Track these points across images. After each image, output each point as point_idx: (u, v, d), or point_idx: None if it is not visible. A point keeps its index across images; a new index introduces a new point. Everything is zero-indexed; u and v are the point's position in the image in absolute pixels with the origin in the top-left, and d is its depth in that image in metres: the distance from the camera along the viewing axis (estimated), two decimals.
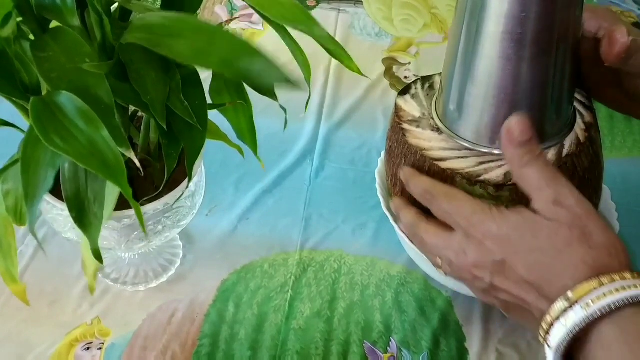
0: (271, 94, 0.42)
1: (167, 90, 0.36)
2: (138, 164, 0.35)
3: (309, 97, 0.46)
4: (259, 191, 0.61)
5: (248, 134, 0.43)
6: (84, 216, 0.36)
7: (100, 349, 0.49)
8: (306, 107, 0.48)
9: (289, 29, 0.40)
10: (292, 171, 0.64)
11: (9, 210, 0.41)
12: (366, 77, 0.45)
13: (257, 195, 0.61)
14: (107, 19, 0.35)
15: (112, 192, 0.39)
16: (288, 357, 0.49)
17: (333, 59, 0.74)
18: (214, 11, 0.83)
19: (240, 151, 0.46)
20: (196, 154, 0.39)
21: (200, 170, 0.46)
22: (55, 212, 0.43)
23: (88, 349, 0.49)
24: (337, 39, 0.79)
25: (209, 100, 0.41)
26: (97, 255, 0.37)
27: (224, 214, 0.59)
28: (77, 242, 0.46)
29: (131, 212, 0.42)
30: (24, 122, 0.41)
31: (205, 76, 0.41)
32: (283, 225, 0.59)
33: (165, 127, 0.35)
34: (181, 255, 0.55)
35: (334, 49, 0.39)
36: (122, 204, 0.42)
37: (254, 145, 0.43)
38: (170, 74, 0.37)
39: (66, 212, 0.42)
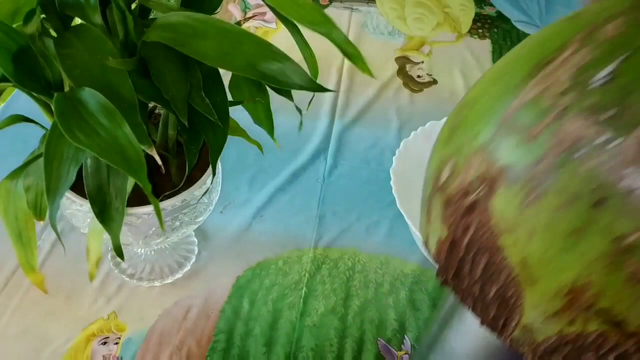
0: (288, 94, 0.43)
1: (188, 86, 0.36)
2: (159, 160, 0.35)
3: (313, 96, 0.47)
4: (272, 189, 0.62)
5: (265, 119, 0.43)
6: (105, 211, 0.37)
7: (117, 343, 0.50)
8: (308, 105, 0.49)
9: (302, 29, 0.41)
10: (305, 169, 0.64)
11: (29, 204, 0.41)
12: (375, 78, 0.45)
13: (270, 192, 0.61)
14: (130, 16, 0.36)
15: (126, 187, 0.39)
16: (302, 353, 0.50)
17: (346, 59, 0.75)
18: (227, 9, 0.83)
19: (260, 147, 0.46)
20: (219, 150, 0.39)
21: (217, 167, 0.47)
22: (74, 208, 0.43)
23: (105, 343, 0.49)
24: (350, 37, 0.79)
25: (228, 96, 0.41)
26: (118, 251, 0.38)
27: (238, 211, 0.60)
28: None
29: (149, 208, 0.43)
30: (41, 119, 0.41)
31: (224, 71, 0.41)
32: (297, 223, 0.59)
33: (186, 123, 0.35)
34: (196, 251, 0.56)
35: (351, 53, 0.40)
36: (139, 200, 0.43)
37: (270, 129, 0.43)
38: (191, 70, 0.37)
39: (85, 208, 0.42)
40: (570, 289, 0.24)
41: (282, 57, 0.31)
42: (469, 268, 0.27)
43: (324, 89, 0.32)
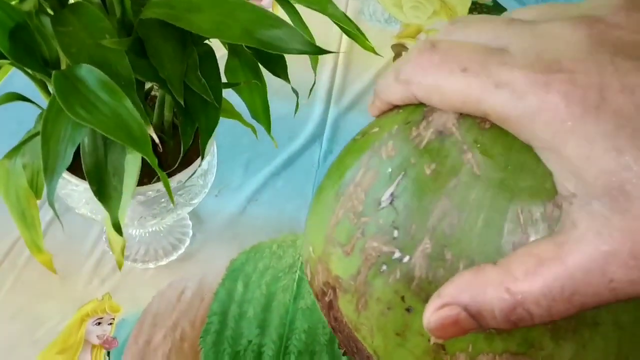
0: (284, 75, 0.43)
1: (184, 66, 0.37)
2: (157, 139, 0.35)
3: (314, 84, 0.47)
4: (267, 173, 0.62)
5: (262, 113, 0.43)
6: (103, 190, 0.37)
7: (111, 324, 0.50)
8: (310, 93, 0.49)
9: (301, 13, 0.41)
10: (300, 154, 0.64)
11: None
12: (380, 55, 0.45)
13: (265, 177, 0.62)
14: None
15: (132, 167, 0.39)
16: (295, 335, 0.50)
17: (342, 43, 0.75)
18: None
19: (254, 130, 0.46)
20: (210, 131, 0.40)
21: (212, 149, 0.47)
22: (69, 188, 0.43)
23: (99, 324, 0.50)
24: None
25: (224, 80, 0.42)
26: (117, 228, 0.38)
27: (233, 195, 0.60)
28: (89, 218, 0.46)
29: (145, 188, 0.43)
30: (36, 99, 0.41)
31: (221, 55, 0.41)
32: (291, 207, 0.59)
33: (182, 103, 0.35)
34: (191, 234, 0.56)
35: (348, 28, 0.40)
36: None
37: (267, 125, 0.44)
38: (187, 50, 0.38)
39: (80, 188, 0.43)
40: None
41: (279, 22, 0.32)
42: (352, 349, 0.30)
43: (324, 51, 0.33)
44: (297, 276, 0.54)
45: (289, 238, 0.57)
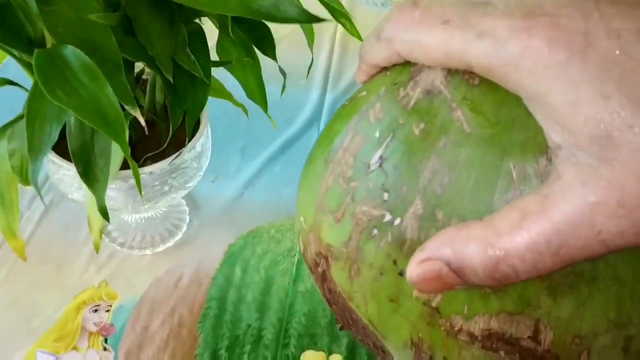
0: (272, 54, 0.42)
1: (173, 43, 0.36)
2: (142, 121, 0.34)
3: (311, 62, 0.46)
4: (264, 158, 0.61)
5: (258, 92, 0.43)
6: (90, 171, 0.36)
7: (108, 311, 0.49)
8: (308, 73, 0.48)
9: None
10: (297, 138, 0.63)
11: (14, 169, 0.41)
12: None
13: (263, 162, 0.61)
14: None
15: (117, 150, 0.39)
16: (295, 318, 0.49)
17: (339, 27, 0.74)
18: None
19: (245, 110, 0.46)
20: (198, 109, 0.39)
21: (206, 131, 0.46)
22: (61, 173, 0.43)
23: (96, 311, 0.49)
24: None
25: (215, 59, 0.41)
26: (104, 212, 0.37)
27: (230, 181, 0.59)
28: (83, 205, 0.46)
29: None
30: (28, 83, 0.41)
31: (214, 43, 0.41)
32: (289, 192, 0.59)
33: (171, 80, 0.35)
34: (187, 220, 0.55)
35: (337, 11, 0.39)
36: (127, 165, 0.42)
37: (263, 104, 0.43)
38: (176, 28, 0.37)
39: (72, 172, 0.42)
40: (412, 343, 0.26)
41: None
42: (347, 321, 0.29)
43: (320, 20, 0.32)
44: (296, 259, 0.53)
45: (288, 222, 0.56)
